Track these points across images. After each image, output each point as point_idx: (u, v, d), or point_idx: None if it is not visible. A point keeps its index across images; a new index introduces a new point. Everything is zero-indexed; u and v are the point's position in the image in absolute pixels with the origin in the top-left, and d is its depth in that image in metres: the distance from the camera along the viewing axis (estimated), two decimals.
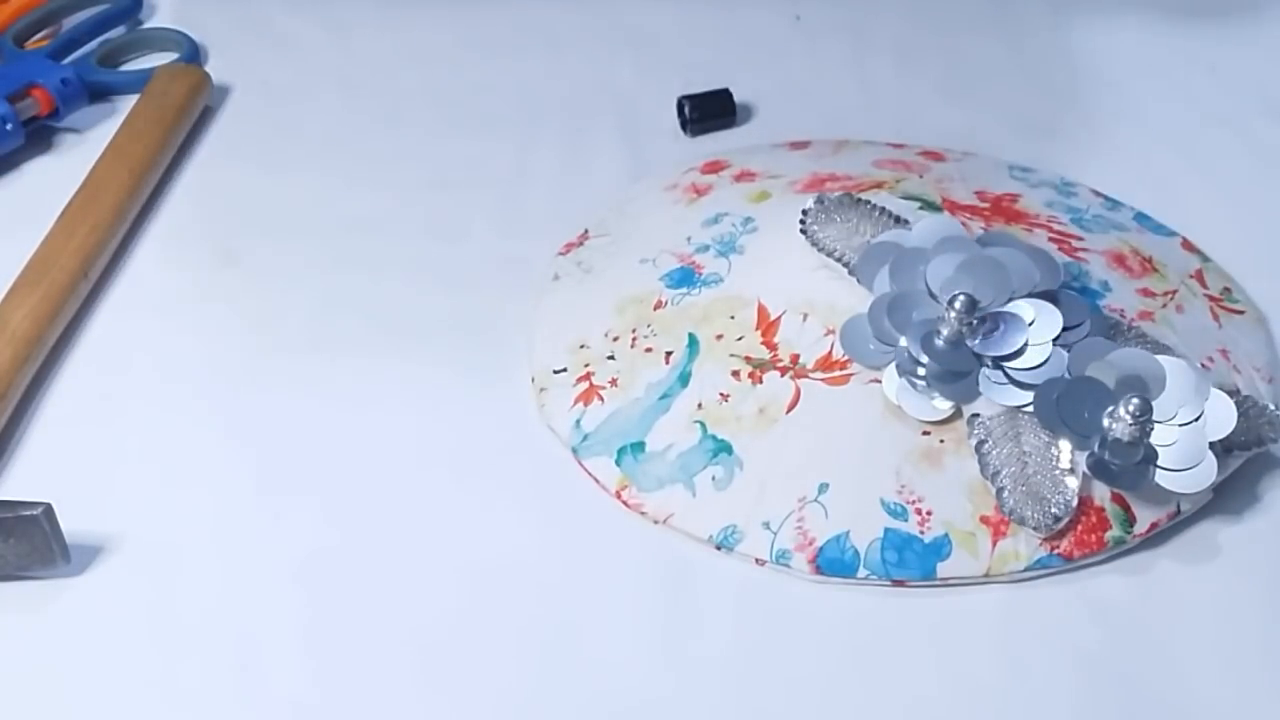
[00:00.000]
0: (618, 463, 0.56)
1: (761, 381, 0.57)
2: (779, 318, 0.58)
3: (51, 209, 0.67)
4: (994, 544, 0.53)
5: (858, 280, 0.57)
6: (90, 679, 0.50)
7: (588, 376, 0.59)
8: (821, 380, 0.56)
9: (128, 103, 0.75)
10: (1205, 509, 0.55)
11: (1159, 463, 0.53)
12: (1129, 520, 0.54)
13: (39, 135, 0.74)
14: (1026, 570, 0.53)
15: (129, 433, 0.59)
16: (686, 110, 0.74)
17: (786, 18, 0.83)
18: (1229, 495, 0.56)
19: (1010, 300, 0.55)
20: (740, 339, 0.58)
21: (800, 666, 0.51)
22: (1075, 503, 0.53)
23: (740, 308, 0.59)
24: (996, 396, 0.54)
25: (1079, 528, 0.53)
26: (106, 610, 0.52)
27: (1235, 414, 0.53)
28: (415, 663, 0.51)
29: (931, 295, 0.55)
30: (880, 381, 0.55)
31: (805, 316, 0.58)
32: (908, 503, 0.54)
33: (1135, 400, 0.52)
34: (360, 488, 0.57)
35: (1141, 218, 0.67)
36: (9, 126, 0.72)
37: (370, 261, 0.67)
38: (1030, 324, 0.55)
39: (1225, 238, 0.67)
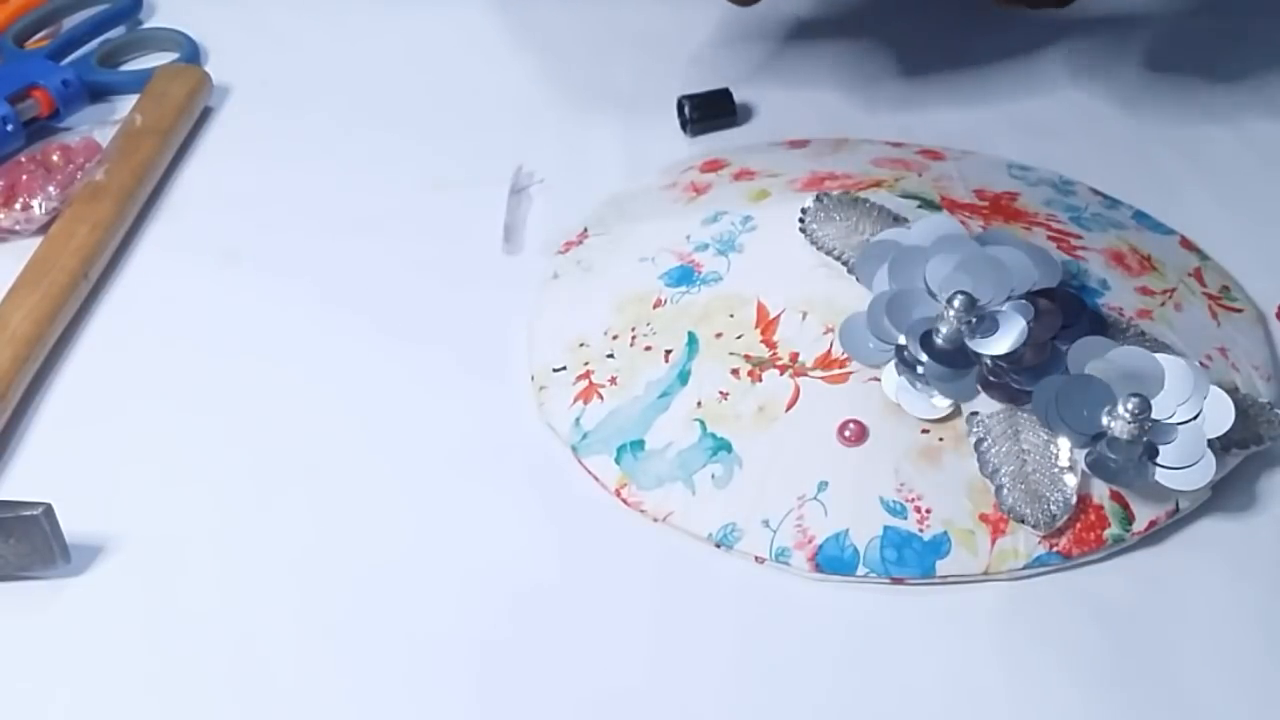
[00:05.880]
0: (617, 461, 0.57)
1: (761, 380, 0.57)
2: (778, 316, 0.58)
3: None
4: (993, 542, 0.53)
5: (857, 279, 0.58)
6: (90, 679, 0.50)
7: (587, 375, 0.59)
8: (821, 378, 0.56)
9: (128, 103, 0.75)
10: (1204, 507, 0.55)
11: (1158, 460, 0.53)
12: (1128, 518, 0.54)
13: (39, 135, 0.74)
14: (1025, 568, 0.53)
15: (129, 433, 0.59)
16: (686, 110, 0.74)
17: (787, 18, 0.83)
18: (1228, 493, 0.56)
19: (1009, 299, 0.55)
20: (740, 337, 0.58)
21: (799, 664, 0.51)
22: (1074, 501, 0.53)
23: (739, 306, 0.59)
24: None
25: (1078, 526, 0.53)
26: (106, 610, 0.52)
27: (1234, 412, 0.53)
28: (414, 661, 0.51)
29: (930, 293, 0.55)
30: (879, 380, 0.55)
31: (804, 315, 0.58)
32: (907, 500, 0.54)
33: (1134, 398, 0.52)
34: (360, 486, 0.57)
35: (1140, 216, 0.67)
36: (10, 127, 0.72)
37: (370, 261, 0.67)
38: (1029, 322, 0.55)
39: (1224, 236, 0.67)
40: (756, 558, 0.54)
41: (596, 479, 0.57)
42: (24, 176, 0.69)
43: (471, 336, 0.63)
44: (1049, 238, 0.62)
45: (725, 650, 0.51)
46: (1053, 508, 0.53)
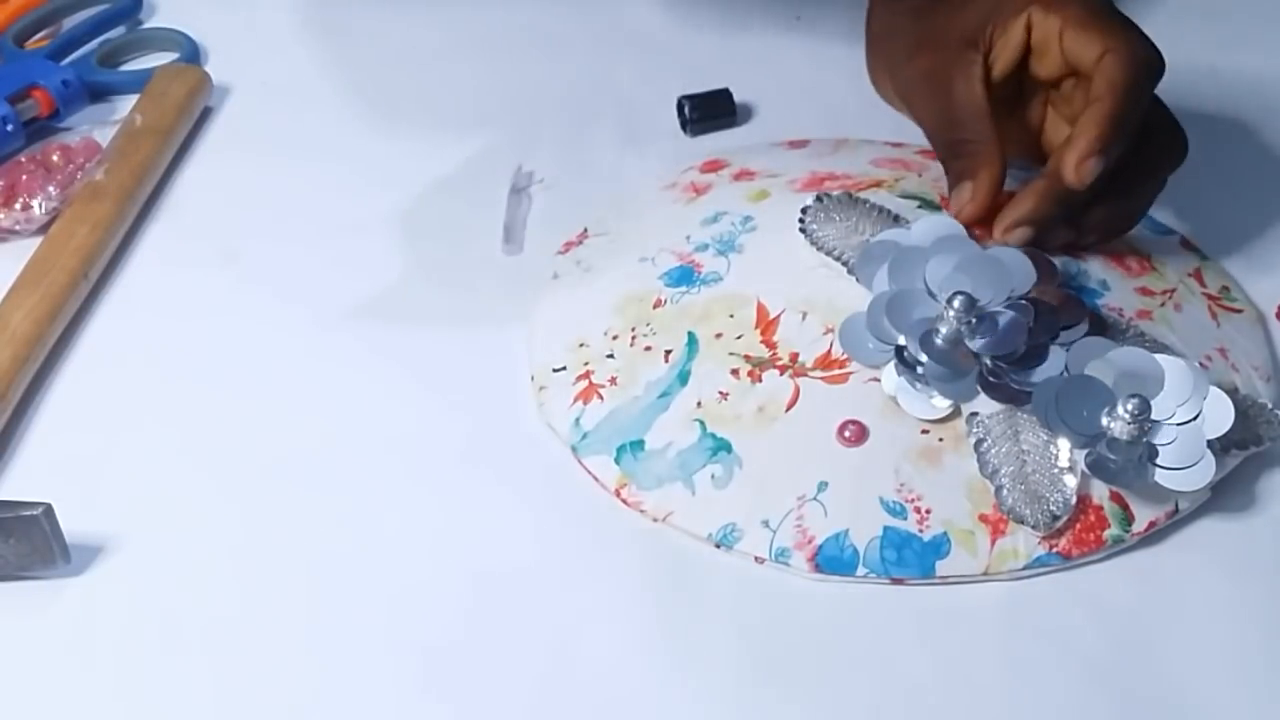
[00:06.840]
0: (617, 461, 0.57)
1: (761, 380, 0.57)
2: (778, 316, 0.58)
3: None
4: (993, 542, 0.53)
5: (856, 279, 0.58)
6: (90, 679, 0.50)
7: (587, 375, 0.59)
8: (821, 379, 0.56)
9: (128, 103, 0.75)
10: (1203, 507, 0.55)
11: (1158, 461, 0.53)
12: (1127, 519, 0.54)
13: (39, 135, 0.74)
14: (1025, 569, 0.53)
15: (129, 433, 0.59)
16: (686, 110, 0.74)
17: (786, 18, 0.83)
18: (1227, 494, 0.56)
19: (1009, 299, 0.55)
20: (739, 337, 0.58)
21: (799, 664, 0.51)
22: (1074, 501, 0.53)
23: (739, 306, 0.59)
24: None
25: (1078, 526, 0.53)
26: (106, 610, 0.52)
27: (1233, 412, 0.53)
28: (414, 661, 0.51)
29: (930, 294, 0.55)
30: (879, 380, 0.55)
31: (804, 315, 0.58)
32: (907, 501, 0.54)
33: (1134, 399, 0.52)
34: (360, 485, 0.57)
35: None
36: (10, 127, 0.72)
37: (370, 261, 0.67)
38: (1029, 323, 0.55)
39: (1223, 236, 0.67)
40: (756, 558, 0.54)
41: (596, 479, 0.57)
42: (24, 176, 0.69)
43: (471, 336, 0.63)
44: None
45: (725, 650, 0.51)
46: (1053, 508, 0.53)
